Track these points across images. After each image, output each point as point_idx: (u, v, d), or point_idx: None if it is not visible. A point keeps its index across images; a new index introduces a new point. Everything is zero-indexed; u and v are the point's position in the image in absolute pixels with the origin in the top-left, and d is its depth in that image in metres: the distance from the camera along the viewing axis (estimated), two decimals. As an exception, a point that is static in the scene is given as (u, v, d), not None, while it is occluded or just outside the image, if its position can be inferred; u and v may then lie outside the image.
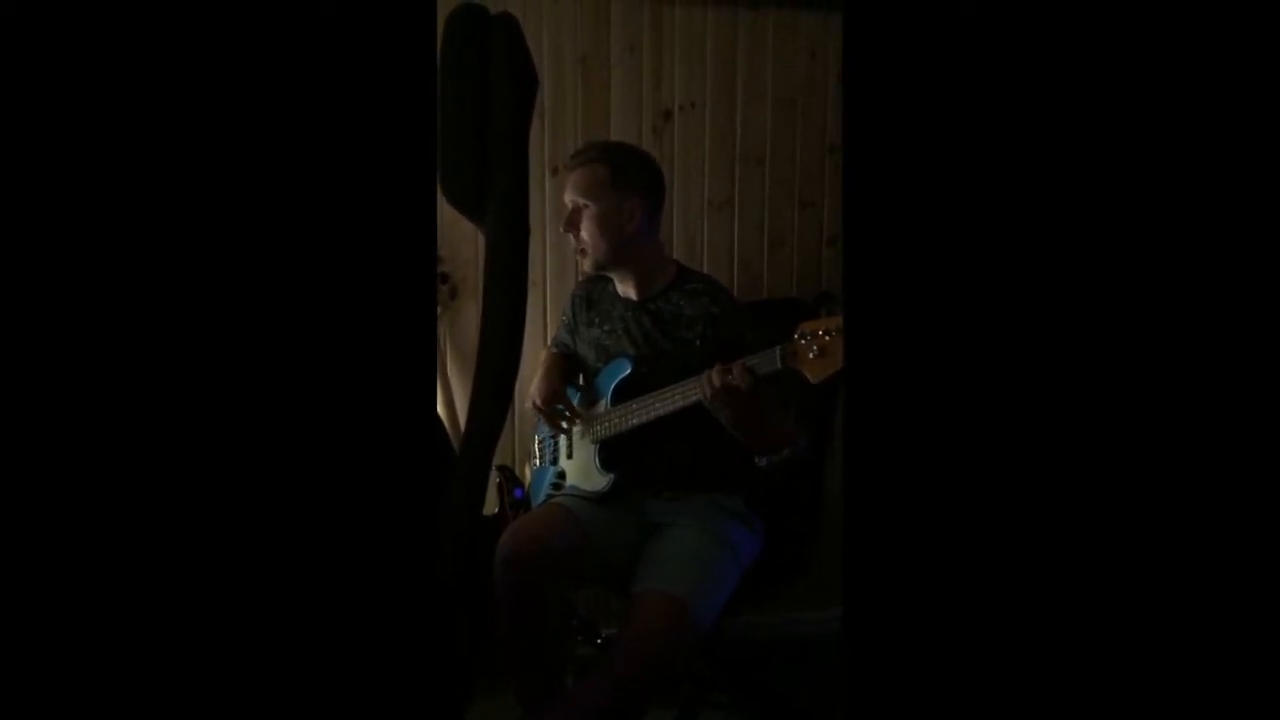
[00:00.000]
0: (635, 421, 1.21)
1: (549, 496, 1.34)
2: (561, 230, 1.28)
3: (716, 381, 1.06)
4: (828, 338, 0.99)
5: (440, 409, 1.53)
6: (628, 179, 1.25)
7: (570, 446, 1.35)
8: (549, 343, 1.51)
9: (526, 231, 0.49)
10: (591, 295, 1.39)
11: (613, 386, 1.27)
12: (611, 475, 1.25)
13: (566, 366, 1.40)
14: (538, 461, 1.45)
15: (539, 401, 1.33)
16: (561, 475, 1.36)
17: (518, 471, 1.59)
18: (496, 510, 1.48)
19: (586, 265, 1.30)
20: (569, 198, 1.27)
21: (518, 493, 1.49)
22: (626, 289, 1.31)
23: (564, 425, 1.33)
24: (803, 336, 1.01)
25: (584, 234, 1.25)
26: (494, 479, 1.50)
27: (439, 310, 1.60)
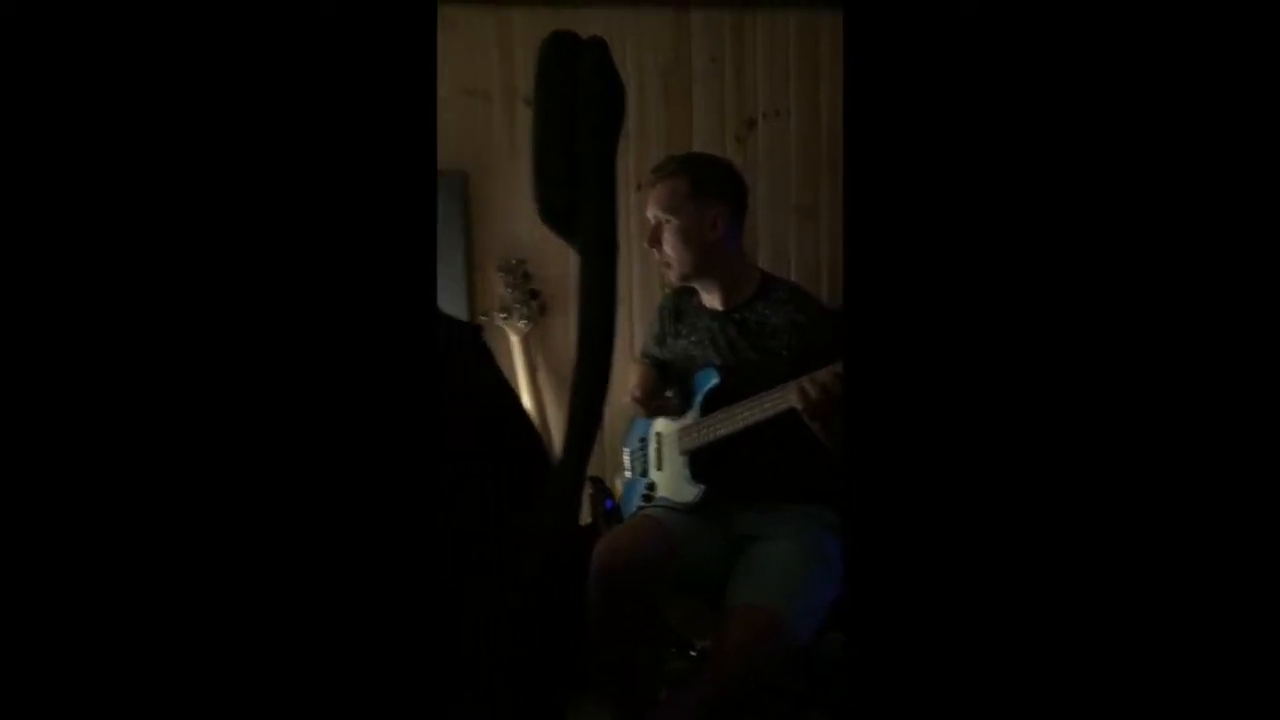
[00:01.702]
0: (724, 432, 1.20)
1: (640, 508, 1.35)
2: (646, 245, 1.30)
3: (811, 391, 1.04)
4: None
5: (535, 422, 1.57)
6: (708, 190, 1.25)
7: (660, 458, 1.36)
8: (639, 354, 1.52)
9: (616, 248, 0.50)
10: (679, 307, 1.39)
11: (701, 397, 1.26)
12: (702, 486, 1.24)
13: (657, 377, 1.41)
14: (629, 473, 1.46)
15: (638, 394, 1.36)
16: (652, 487, 1.36)
17: (609, 484, 1.61)
18: (589, 522, 1.50)
19: (671, 278, 1.31)
20: (651, 213, 1.28)
21: (609, 504, 1.50)
22: (712, 300, 1.31)
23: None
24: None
25: (667, 248, 1.26)
26: (586, 491, 1.51)
27: (529, 325, 1.64)
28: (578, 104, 0.46)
